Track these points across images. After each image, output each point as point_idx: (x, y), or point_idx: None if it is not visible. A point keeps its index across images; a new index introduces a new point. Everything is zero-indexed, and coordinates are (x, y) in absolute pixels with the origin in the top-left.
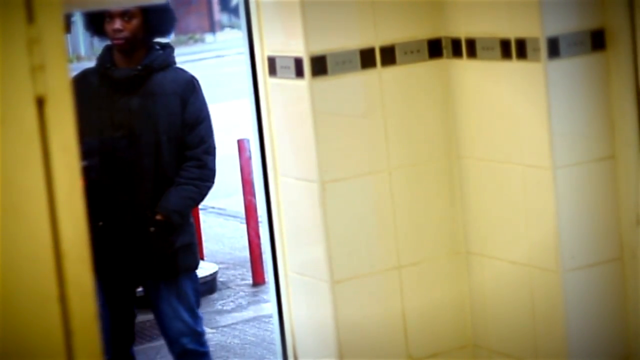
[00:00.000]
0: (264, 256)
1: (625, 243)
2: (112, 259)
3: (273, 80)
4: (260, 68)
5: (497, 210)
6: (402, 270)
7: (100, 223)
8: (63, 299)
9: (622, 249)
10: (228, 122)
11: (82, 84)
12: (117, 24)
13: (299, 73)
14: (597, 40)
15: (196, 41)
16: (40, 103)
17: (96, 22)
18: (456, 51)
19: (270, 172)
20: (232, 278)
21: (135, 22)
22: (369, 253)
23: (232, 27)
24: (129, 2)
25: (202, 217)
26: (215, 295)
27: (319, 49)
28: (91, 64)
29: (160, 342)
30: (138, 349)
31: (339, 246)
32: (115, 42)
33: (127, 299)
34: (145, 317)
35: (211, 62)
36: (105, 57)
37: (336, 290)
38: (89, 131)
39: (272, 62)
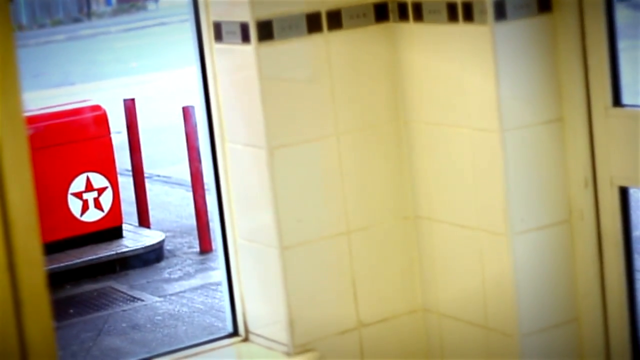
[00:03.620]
0: (210, 224)
1: (573, 205)
2: None
3: (219, 46)
4: (206, 34)
5: (445, 174)
6: (350, 235)
7: None
8: (12, 268)
9: (571, 212)
10: (172, 90)
11: None
12: None
13: (245, 38)
14: (543, 3)
15: (138, 9)
16: None
17: None
18: (402, 15)
19: (217, 139)
20: (179, 246)
21: None
22: (317, 219)
23: None
24: None
25: (148, 185)
26: (162, 264)
27: (264, 13)
28: (33, 34)
29: (107, 312)
30: (85, 318)
31: (287, 212)
32: None
33: None
34: (92, 287)
35: (154, 29)
36: None
37: (285, 256)
38: None
39: (217, 27)
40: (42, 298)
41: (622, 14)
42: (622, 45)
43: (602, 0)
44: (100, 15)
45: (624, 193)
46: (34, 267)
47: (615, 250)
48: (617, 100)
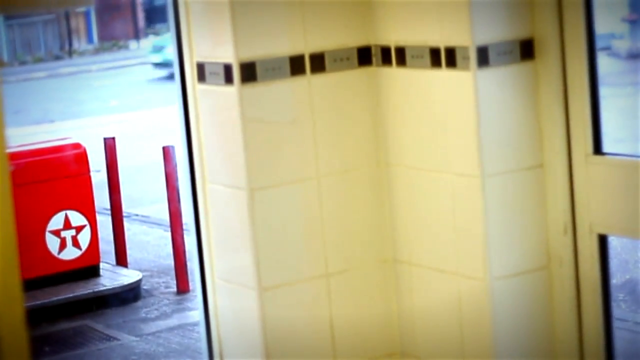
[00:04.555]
0: (188, 264)
1: (552, 252)
2: None
3: (202, 87)
4: (189, 74)
5: (425, 218)
6: (330, 278)
7: None
8: None
9: (550, 258)
10: (151, 129)
11: None
12: None
13: (228, 79)
14: (526, 50)
15: (120, 48)
16: None
17: None
18: (386, 59)
19: (198, 179)
20: (156, 286)
21: None
22: (297, 260)
23: (156, 34)
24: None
25: (126, 224)
26: (139, 303)
27: (248, 55)
28: (13, 70)
29: (83, 351)
30: (61, 357)
31: (267, 253)
32: None
33: None
34: (69, 325)
35: (135, 69)
36: None
37: (264, 297)
38: None
39: (201, 68)
40: (21, 335)
41: (603, 62)
42: (603, 93)
43: (584, 48)
44: (82, 53)
45: (602, 240)
46: (13, 304)
47: (593, 298)
48: (597, 148)
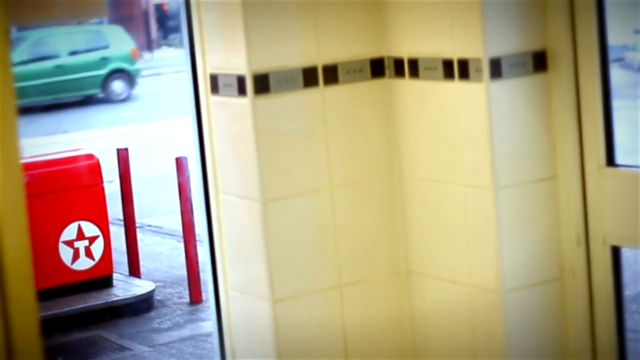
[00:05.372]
0: (201, 275)
1: (565, 263)
2: None
3: (215, 98)
4: (202, 85)
5: (438, 229)
6: (343, 289)
7: None
8: (5, 315)
9: (563, 269)
10: (166, 140)
11: None
12: None
13: (242, 91)
14: (539, 62)
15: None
16: None
17: None
18: (399, 71)
19: (212, 190)
20: (169, 296)
21: None
22: (310, 272)
23: (169, 45)
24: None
25: (139, 235)
26: (152, 314)
27: (261, 67)
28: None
29: None
30: None
31: (280, 265)
32: None
33: None
34: (81, 335)
35: (148, 79)
36: None
37: (277, 308)
38: None
39: (214, 79)
40: (35, 346)
41: (616, 74)
42: (616, 105)
43: (596, 60)
44: None
45: (615, 252)
46: (27, 315)
47: (606, 309)
48: (610, 160)
